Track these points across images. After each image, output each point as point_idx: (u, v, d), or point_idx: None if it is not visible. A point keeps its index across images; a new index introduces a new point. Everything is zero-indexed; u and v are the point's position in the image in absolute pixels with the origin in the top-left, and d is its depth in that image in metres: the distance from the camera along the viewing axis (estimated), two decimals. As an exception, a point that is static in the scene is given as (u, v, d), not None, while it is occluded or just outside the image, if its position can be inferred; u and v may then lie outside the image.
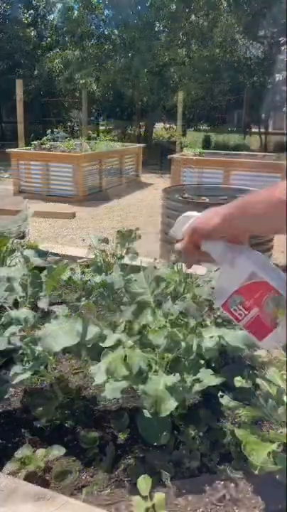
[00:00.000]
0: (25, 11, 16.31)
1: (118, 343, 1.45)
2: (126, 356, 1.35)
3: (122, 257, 2.21)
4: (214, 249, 0.83)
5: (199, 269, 2.25)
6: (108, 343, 1.46)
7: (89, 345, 1.46)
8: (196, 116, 19.00)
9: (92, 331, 1.47)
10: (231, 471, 1.29)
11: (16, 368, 1.42)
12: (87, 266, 2.19)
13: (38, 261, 2.08)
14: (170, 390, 1.24)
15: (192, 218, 0.85)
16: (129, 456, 1.35)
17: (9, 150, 8.80)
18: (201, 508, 1.17)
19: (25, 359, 1.49)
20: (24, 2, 16.57)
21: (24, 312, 1.55)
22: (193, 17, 15.50)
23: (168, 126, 19.99)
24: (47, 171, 8.42)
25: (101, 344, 1.47)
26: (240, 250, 0.82)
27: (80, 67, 14.29)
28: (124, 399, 1.60)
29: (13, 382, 1.38)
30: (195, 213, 0.86)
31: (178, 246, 0.85)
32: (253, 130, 21.42)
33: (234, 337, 1.39)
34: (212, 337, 1.43)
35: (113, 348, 1.42)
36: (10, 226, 2.53)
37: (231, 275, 0.81)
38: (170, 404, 1.20)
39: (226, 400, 1.33)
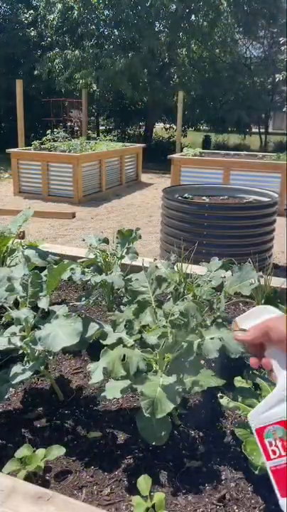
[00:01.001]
0: (25, 11, 16.31)
1: (119, 341, 1.45)
2: (124, 356, 1.35)
3: (122, 257, 2.21)
4: (280, 360, 0.69)
5: (199, 269, 2.25)
6: (109, 341, 1.46)
7: (90, 342, 1.45)
8: (196, 117, 18.99)
9: (93, 327, 1.47)
10: (231, 471, 1.29)
11: (16, 368, 1.42)
12: (87, 266, 2.19)
13: (38, 261, 2.08)
14: (168, 391, 1.24)
15: (269, 314, 0.75)
16: (129, 456, 1.35)
17: (9, 150, 8.80)
18: (201, 508, 1.18)
19: (25, 359, 1.49)
20: (24, 2, 16.56)
21: (24, 312, 1.55)
22: (193, 17, 15.49)
23: (168, 126, 19.99)
24: (47, 171, 8.42)
25: (101, 341, 1.47)
26: None
27: (80, 67, 14.28)
28: (124, 399, 1.60)
29: (13, 382, 1.38)
30: (276, 310, 0.76)
31: (239, 336, 0.76)
32: (253, 130, 21.43)
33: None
34: (212, 338, 1.43)
35: (113, 346, 1.42)
36: (10, 226, 2.53)
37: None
38: (167, 406, 1.20)
39: (225, 400, 1.33)
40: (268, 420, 0.66)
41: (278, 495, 0.66)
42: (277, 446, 0.65)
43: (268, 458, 0.66)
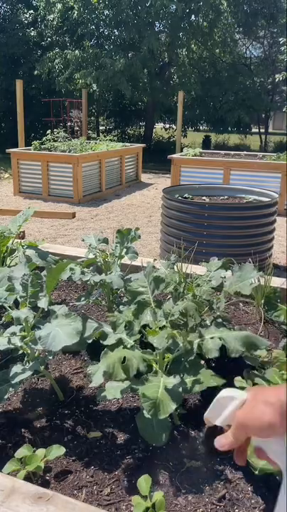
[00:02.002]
0: (25, 11, 16.31)
1: (120, 342, 1.45)
2: (125, 358, 1.34)
3: (121, 257, 2.21)
4: (272, 449, 0.64)
5: (199, 269, 2.25)
6: (109, 341, 1.46)
7: (89, 341, 1.45)
8: (196, 117, 19.00)
9: (92, 326, 1.46)
10: (231, 471, 1.29)
11: (16, 368, 1.42)
12: (87, 266, 2.18)
13: (38, 261, 2.09)
14: (170, 392, 1.24)
15: (234, 401, 0.67)
16: (129, 456, 1.35)
17: (9, 150, 8.80)
18: (201, 508, 1.17)
19: (25, 359, 1.49)
20: (24, 2, 16.57)
21: (24, 312, 1.55)
22: (193, 17, 15.50)
23: (168, 126, 19.99)
24: (47, 171, 8.42)
25: (102, 342, 1.47)
26: None
27: (80, 67, 14.29)
28: (124, 399, 1.60)
29: (13, 382, 1.38)
30: (236, 393, 0.69)
31: (223, 442, 0.69)
32: (254, 130, 21.44)
33: (234, 337, 1.39)
34: (212, 338, 1.43)
35: (113, 347, 1.42)
36: (10, 226, 2.53)
37: None
38: (170, 407, 1.20)
39: (226, 400, 1.33)
40: None
41: None
42: None
43: None
